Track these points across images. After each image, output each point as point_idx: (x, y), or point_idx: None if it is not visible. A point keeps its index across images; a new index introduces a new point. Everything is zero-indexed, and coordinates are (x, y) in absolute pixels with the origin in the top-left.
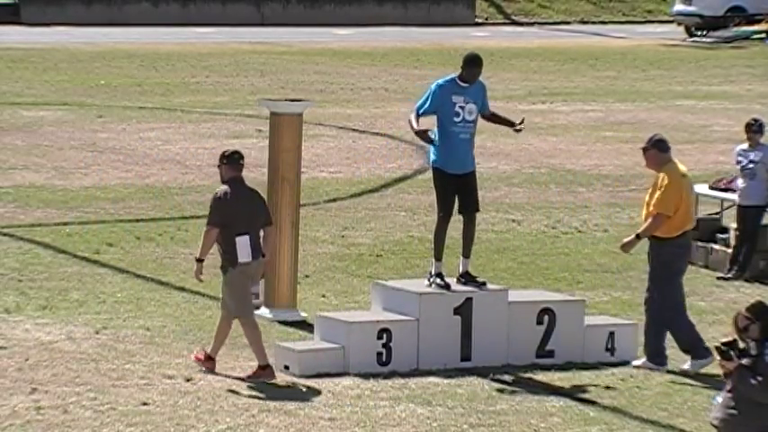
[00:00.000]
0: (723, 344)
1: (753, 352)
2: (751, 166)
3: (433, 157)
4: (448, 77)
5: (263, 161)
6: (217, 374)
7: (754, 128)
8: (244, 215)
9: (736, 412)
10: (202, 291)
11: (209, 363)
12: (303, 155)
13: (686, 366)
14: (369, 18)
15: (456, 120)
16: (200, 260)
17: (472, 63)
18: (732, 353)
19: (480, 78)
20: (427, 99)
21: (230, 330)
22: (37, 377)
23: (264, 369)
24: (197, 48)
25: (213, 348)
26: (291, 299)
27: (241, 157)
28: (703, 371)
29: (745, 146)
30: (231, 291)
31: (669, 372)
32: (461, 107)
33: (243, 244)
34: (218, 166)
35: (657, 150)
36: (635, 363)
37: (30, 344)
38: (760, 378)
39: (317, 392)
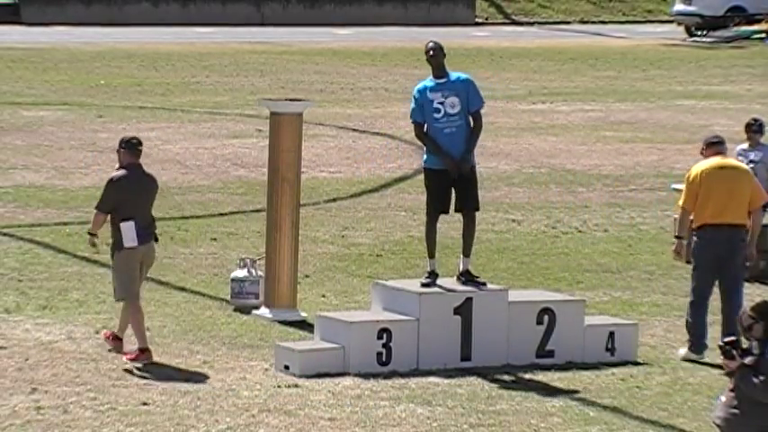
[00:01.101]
0: (725, 342)
1: (755, 351)
2: (751, 165)
3: (424, 156)
4: (425, 79)
5: (263, 161)
6: (216, 375)
7: (754, 128)
8: (134, 201)
9: (738, 412)
10: (202, 291)
11: (146, 354)
12: (303, 155)
13: (681, 351)
14: (369, 18)
15: (437, 116)
16: (91, 234)
17: (426, 52)
18: (734, 352)
19: (466, 75)
20: (413, 106)
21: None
22: (37, 377)
23: (144, 352)
24: (197, 48)
25: (139, 338)
26: (291, 299)
27: (140, 143)
28: (704, 371)
29: (746, 146)
30: (116, 273)
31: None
32: (440, 103)
33: (127, 229)
34: (117, 150)
35: (705, 148)
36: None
37: (30, 344)
38: (762, 377)
39: (317, 392)
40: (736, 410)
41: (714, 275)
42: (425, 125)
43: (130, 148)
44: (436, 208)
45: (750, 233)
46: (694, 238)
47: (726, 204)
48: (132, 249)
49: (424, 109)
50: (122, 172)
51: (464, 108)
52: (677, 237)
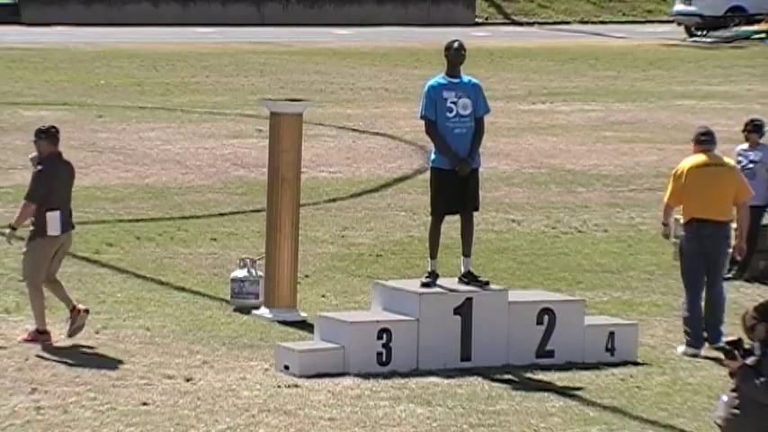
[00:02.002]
0: (727, 343)
1: (757, 352)
2: (751, 166)
3: (432, 156)
4: (437, 76)
5: (263, 161)
6: (216, 375)
7: (753, 128)
8: (60, 190)
9: (740, 412)
10: (202, 291)
11: (44, 336)
12: (303, 155)
13: (679, 349)
14: (369, 18)
15: (449, 115)
16: (13, 228)
17: (448, 48)
18: (736, 352)
19: (476, 80)
20: (426, 102)
21: (43, 298)
22: (37, 377)
23: (42, 333)
24: (197, 48)
25: (39, 322)
26: (291, 299)
27: (57, 131)
28: (703, 371)
29: (745, 146)
30: (31, 257)
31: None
32: (453, 102)
33: (53, 219)
34: (35, 141)
35: (694, 144)
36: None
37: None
38: (763, 378)
39: (317, 392)
40: (737, 411)
41: (701, 269)
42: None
43: (50, 137)
44: (442, 208)
45: (738, 228)
46: (682, 233)
47: (710, 201)
48: (54, 237)
49: (436, 106)
50: (47, 162)
51: (474, 111)
52: (663, 223)
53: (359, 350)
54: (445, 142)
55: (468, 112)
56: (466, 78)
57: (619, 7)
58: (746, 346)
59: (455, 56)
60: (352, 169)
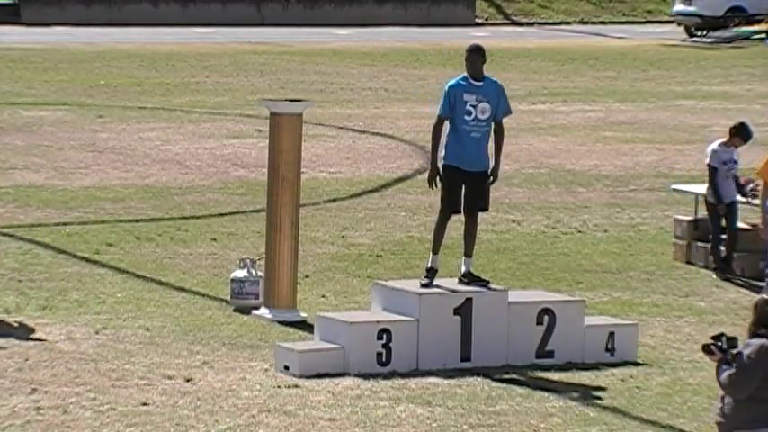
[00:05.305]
0: (711, 337)
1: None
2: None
3: (442, 153)
4: (459, 77)
5: (263, 161)
6: (216, 375)
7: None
8: None
9: (727, 406)
10: (202, 291)
11: None
12: (303, 155)
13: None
14: (369, 18)
15: (467, 118)
16: None
17: (469, 52)
18: (713, 347)
19: (497, 80)
20: (444, 102)
21: None
22: (37, 377)
23: None
24: (197, 48)
25: None
26: (291, 299)
27: None
28: (704, 372)
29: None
30: None
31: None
32: (473, 106)
33: None
34: None
35: None
36: None
37: (30, 344)
38: (731, 370)
39: (317, 392)
40: (725, 405)
41: None
42: (449, 123)
43: None
44: (450, 206)
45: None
46: None
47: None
48: None
49: (455, 107)
50: None
51: (492, 115)
52: None
53: (359, 350)
54: (437, 148)
55: (486, 116)
56: (488, 81)
57: (619, 7)
58: (731, 339)
59: (471, 60)
60: (352, 169)
